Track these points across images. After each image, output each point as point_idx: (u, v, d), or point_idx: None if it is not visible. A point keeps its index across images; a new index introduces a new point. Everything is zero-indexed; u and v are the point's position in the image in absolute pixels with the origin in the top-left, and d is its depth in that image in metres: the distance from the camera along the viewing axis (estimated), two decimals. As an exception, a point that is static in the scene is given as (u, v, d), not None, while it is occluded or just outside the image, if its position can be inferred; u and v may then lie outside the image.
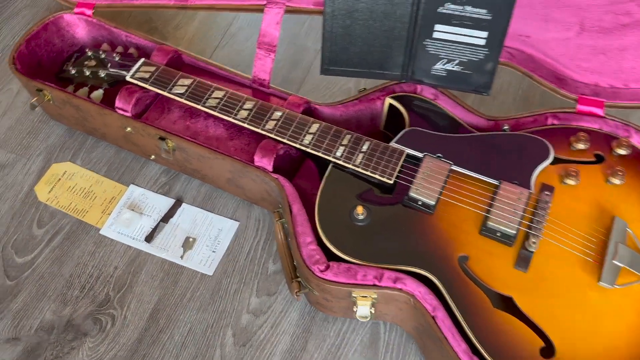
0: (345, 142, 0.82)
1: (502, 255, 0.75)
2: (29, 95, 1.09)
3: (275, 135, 0.84)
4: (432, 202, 0.77)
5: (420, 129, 0.84)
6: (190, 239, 0.94)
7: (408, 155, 0.82)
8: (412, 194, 0.78)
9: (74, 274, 0.91)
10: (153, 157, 0.97)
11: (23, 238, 0.95)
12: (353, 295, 0.74)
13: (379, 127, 0.94)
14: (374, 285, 0.73)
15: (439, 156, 0.81)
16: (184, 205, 0.97)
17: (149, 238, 0.93)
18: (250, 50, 1.15)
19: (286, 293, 0.89)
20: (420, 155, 0.82)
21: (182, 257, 0.92)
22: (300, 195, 0.83)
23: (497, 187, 0.78)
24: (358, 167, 0.80)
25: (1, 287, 0.90)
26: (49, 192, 0.99)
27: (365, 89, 0.92)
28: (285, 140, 0.84)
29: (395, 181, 0.79)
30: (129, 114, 0.90)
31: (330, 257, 0.76)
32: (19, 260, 0.93)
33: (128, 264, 0.92)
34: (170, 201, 0.97)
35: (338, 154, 0.81)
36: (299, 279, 0.80)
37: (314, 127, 0.84)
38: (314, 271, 0.75)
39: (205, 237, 0.94)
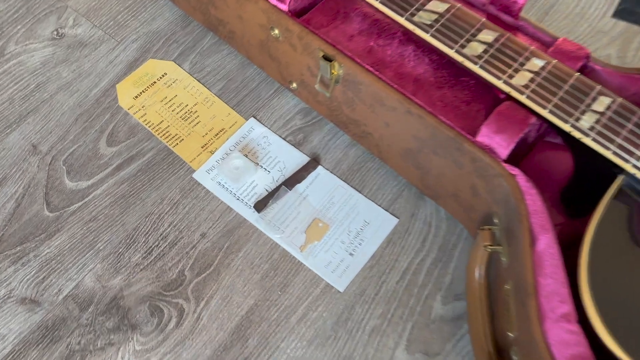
0: (660, 144, 0.45)
1: None
2: (142, -45, 0.77)
3: (527, 98, 0.47)
4: None
5: None
6: (320, 225, 0.60)
7: None
8: None
9: (141, 227, 0.61)
10: (295, 85, 0.63)
11: (83, 153, 0.65)
12: None
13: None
14: None
15: None
16: (320, 169, 0.63)
17: (260, 205, 0.61)
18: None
19: None
20: None
21: (302, 248, 0.59)
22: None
23: None
24: (686, 198, 0.43)
25: (35, 216, 0.61)
26: (136, 97, 0.68)
27: (686, 60, 0.53)
28: (545, 113, 0.47)
29: None
30: (284, 7, 0.56)
31: (600, 354, 0.40)
32: (70, 185, 0.63)
33: (222, 235, 0.60)
34: (302, 158, 0.64)
35: (645, 162, 0.44)
36: (512, 364, 0.45)
37: (603, 102, 0.47)
38: (567, 373, 0.39)
39: (342, 227, 0.60)
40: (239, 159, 0.61)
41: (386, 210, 0.61)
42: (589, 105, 0.46)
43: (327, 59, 0.54)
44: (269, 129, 0.65)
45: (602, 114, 0.46)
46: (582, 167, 0.50)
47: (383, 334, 0.55)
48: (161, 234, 0.60)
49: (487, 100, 0.51)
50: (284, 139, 0.65)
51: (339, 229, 0.60)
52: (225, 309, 0.56)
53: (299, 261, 0.58)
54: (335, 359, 0.54)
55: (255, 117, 0.66)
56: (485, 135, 0.47)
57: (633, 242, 0.43)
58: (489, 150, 0.48)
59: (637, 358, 0.39)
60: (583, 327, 0.41)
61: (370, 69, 0.52)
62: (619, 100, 0.47)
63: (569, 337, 0.40)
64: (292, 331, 0.55)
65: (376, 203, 0.61)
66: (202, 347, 0.55)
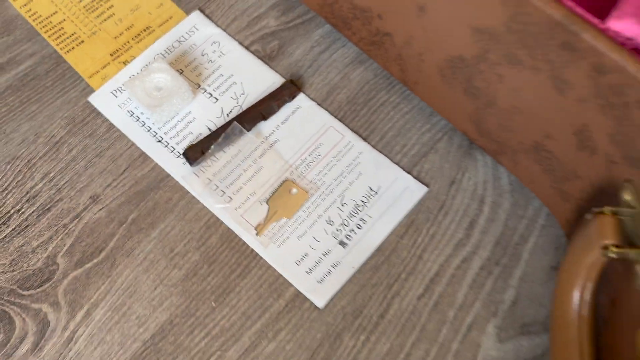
0: None
1: None
2: None
3: None
4: None
5: None
6: (294, 191, 0.36)
7: None
8: None
9: (3, 175, 0.37)
10: (266, -46, 0.38)
11: None
12: None
13: None
14: None
15: None
16: (301, 99, 0.39)
17: (194, 152, 0.36)
18: None
19: None
20: None
21: (259, 229, 0.35)
22: None
23: None
24: None
25: None
26: (21, -24, 0.44)
27: None
28: None
29: None
30: None
31: None
32: None
33: (126, 201, 0.36)
34: (274, 80, 0.39)
35: None
36: None
37: None
38: None
39: (331, 197, 0.36)
40: (163, 73, 0.37)
41: (408, 172, 0.36)
42: None
43: None
44: (224, 30, 0.41)
45: None
46: None
47: (390, 389, 0.31)
48: (28, 193, 0.36)
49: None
50: (247, 47, 0.40)
51: (326, 200, 0.35)
52: (117, 327, 0.33)
53: (252, 251, 0.34)
54: None
55: (202, 11, 0.41)
56: (630, 14, 0.22)
57: None
58: (632, 48, 0.23)
59: None
60: None
61: None
62: None
63: None
64: (228, 375, 0.32)
65: (392, 159, 0.37)
66: (71, 392, 0.32)
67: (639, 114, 0.23)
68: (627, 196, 0.25)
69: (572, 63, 0.24)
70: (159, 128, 0.37)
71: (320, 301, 0.33)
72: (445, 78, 0.32)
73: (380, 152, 0.37)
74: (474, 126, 0.33)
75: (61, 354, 0.32)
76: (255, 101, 0.38)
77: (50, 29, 0.41)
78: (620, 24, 0.23)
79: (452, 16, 0.28)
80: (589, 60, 0.23)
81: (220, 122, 0.37)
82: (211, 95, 0.38)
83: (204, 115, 0.37)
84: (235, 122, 0.36)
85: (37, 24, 0.41)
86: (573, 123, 0.26)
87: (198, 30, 0.40)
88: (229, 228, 0.35)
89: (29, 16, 0.41)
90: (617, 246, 0.24)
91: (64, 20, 0.41)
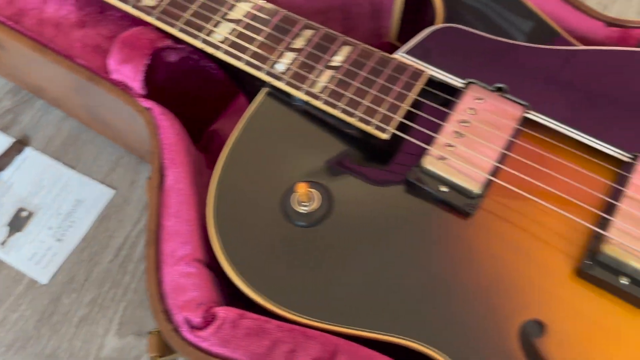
0: (299, 44, 0.39)
1: (632, 322, 0.31)
2: None
3: (157, 19, 0.41)
4: (476, 189, 0.34)
5: (465, 28, 0.39)
6: (24, 213, 0.53)
7: (432, 82, 0.38)
8: (428, 165, 0.35)
9: None
10: (-20, 61, 0.55)
11: None
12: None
13: (385, 36, 0.50)
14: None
15: (499, 88, 0.37)
16: (28, 151, 0.56)
17: (-50, 204, 0.53)
18: None
19: (172, 334, 0.48)
20: (459, 82, 0.37)
21: (3, 243, 0.51)
22: (205, 153, 0.40)
23: (628, 168, 0.34)
24: (318, 98, 0.37)
25: None
26: None
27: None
28: (176, 32, 0.40)
29: (394, 135, 0.36)
30: None
31: (227, 294, 0.34)
32: None
33: None
34: (7, 141, 0.56)
35: (280, 67, 0.38)
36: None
37: (237, 11, 0.40)
38: (179, 326, 0.33)
39: (50, 212, 0.52)
40: None
41: (102, 183, 0.54)
42: (224, 16, 0.40)
43: (-42, 18, 0.46)
44: (-30, 116, 0.57)
45: (238, 22, 0.40)
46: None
47: (92, 321, 0.48)
48: None
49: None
50: (-13, 125, 0.57)
51: (46, 215, 0.52)
52: None
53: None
54: (36, 362, 0.47)
55: (-47, 107, 0.58)
56: (114, 69, 0.40)
57: (271, 152, 0.36)
58: (124, 87, 0.41)
59: (263, 288, 0.32)
60: (210, 267, 0.34)
61: (4, 20, 0.45)
62: (261, 3, 0.41)
63: (185, 280, 0.33)
64: (-14, 340, 0.48)
65: (91, 177, 0.54)
66: None
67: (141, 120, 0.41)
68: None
69: (111, 100, 0.42)
70: None
71: (44, 279, 0.49)
72: (92, 118, 0.50)
73: (83, 174, 0.54)
74: (124, 143, 0.51)
75: None
76: (-6, 160, 0.54)
77: None
78: (114, 76, 0.41)
79: (60, 84, 0.46)
80: (112, 97, 0.42)
81: (-30, 179, 0.54)
82: (-37, 163, 0.55)
83: (-42, 177, 0.54)
84: (-23, 177, 0.53)
85: None
86: (142, 130, 0.45)
87: (-50, 121, 0.57)
88: (-18, 248, 0.51)
89: None
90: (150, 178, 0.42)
91: None
